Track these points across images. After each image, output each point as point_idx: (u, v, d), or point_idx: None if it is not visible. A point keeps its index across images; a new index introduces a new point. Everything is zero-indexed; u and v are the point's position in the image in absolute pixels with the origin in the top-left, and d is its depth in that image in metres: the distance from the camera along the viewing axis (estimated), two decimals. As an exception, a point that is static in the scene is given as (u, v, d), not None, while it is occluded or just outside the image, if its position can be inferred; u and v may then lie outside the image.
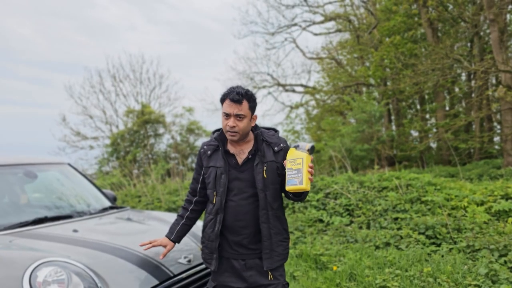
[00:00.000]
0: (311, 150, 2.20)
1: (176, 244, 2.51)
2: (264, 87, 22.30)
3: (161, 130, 19.68)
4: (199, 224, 3.39)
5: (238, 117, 2.24)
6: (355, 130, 13.44)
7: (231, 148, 2.37)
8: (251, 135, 2.40)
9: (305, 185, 2.13)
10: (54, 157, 14.39)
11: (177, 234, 2.48)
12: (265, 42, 24.50)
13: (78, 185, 3.83)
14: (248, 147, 2.37)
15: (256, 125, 2.44)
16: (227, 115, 2.26)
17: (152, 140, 19.46)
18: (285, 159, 2.28)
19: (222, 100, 2.30)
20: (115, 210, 3.51)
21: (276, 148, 2.34)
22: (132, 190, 10.60)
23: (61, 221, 2.91)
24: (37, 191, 3.78)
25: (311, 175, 2.16)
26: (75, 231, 2.69)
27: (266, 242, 2.28)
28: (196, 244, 2.88)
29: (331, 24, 20.71)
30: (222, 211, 2.29)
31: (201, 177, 2.44)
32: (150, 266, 2.38)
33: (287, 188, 2.17)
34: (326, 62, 21.09)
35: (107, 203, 3.74)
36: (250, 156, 2.33)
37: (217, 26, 39.41)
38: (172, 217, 3.56)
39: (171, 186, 9.78)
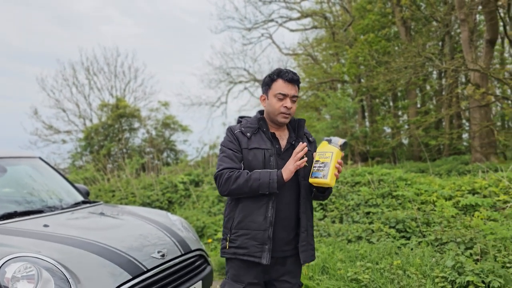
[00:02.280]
0: (343, 146, 2.11)
1: (149, 237, 2.50)
2: (240, 82, 22.32)
3: (136, 125, 19.40)
4: (173, 218, 3.39)
5: (293, 98, 2.17)
6: (329, 126, 13.63)
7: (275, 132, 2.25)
8: None
9: (329, 180, 2.04)
10: (25, 151, 13.99)
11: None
12: (242, 38, 24.49)
13: (49, 180, 3.75)
14: (285, 133, 2.28)
15: None
16: (283, 96, 2.14)
17: (127, 135, 19.17)
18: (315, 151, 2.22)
19: (273, 80, 2.18)
20: (87, 205, 3.46)
21: (311, 139, 2.33)
22: (106, 185, 10.44)
23: (31, 216, 2.85)
24: (7, 185, 3.68)
25: (339, 171, 2.07)
26: (46, 226, 2.64)
27: (303, 234, 2.17)
28: (170, 239, 2.87)
29: (307, 21, 20.88)
30: (274, 195, 2.10)
31: (243, 159, 2.18)
32: (123, 261, 2.37)
33: (310, 180, 2.10)
34: (302, 58, 21.24)
35: (80, 198, 3.68)
36: (293, 142, 2.23)
37: (193, 20, 39.06)
38: (146, 211, 3.54)
39: (146, 180, 9.69)
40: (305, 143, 2.10)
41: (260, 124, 2.22)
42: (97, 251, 2.36)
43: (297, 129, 2.29)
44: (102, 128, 18.70)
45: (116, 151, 18.56)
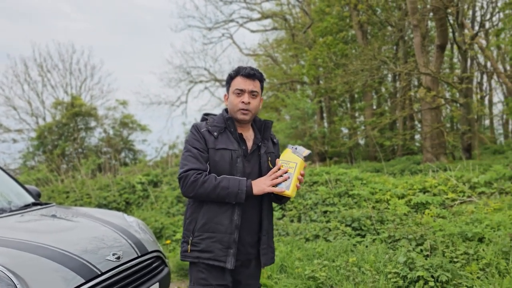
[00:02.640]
0: (307, 157, 2.08)
1: (104, 240, 2.45)
2: (201, 81, 22.17)
3: (92, 123, 18.81)
4: (130, 220, 3.32)
5: (252, 94, 2.11)
6: (289, 127, 13.81)
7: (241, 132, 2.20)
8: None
9: (291, 192, 2.01)
10: (-31, 151, 13.24)
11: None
12: (203, 37, 24.39)
13: (-4, 181, 3.57)
14: (251, 134, 2.23)
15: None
16: (240, 91, 2.10)
17: (82, 134, 18.55)
18: (278, 154, 2.20)
19: (232, 78, 2.15)
20: (39, 207, 3.32)
21: (275, 140, 2.30)
22: (59, 186, 10.06)
23: (-24, 220, 2.71)
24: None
25: (300, 182, 2.05)
26: (-8, 229, 2.52)
27: (264, 237, 2.15)
28: (126, 241, 2.81)
29: (267, 22, 21.10)
30: None
31: (208, 159, 2.11)
32: (76, 265, 2.29)
33: (272, 189, 2.04)
34: (263, 59, 21.40)
35: (30, 200, 3.53)
36: (260, 144, 2.18)
37: (153, 18, 38.36)
38: (102, 213, 3.45)
39: (102, 181, 9.42)
40: (280, 164, 2.06)
41: (227, 124, 2.15)
42: (48, 255, 2.28)
43: (263, 130, 2.23)
44: (56, 127, 18.00)
45: (71, 151, 17.93)
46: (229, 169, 2.07)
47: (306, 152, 2.06)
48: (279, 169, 2.05)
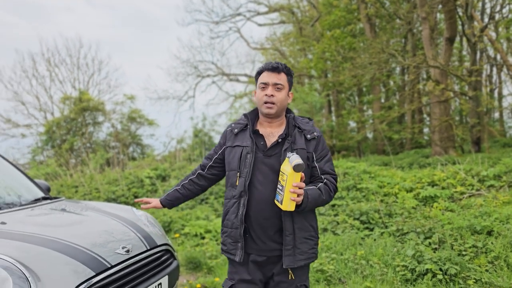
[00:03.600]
0: (297, 168, 1.85)
1: (113, 233, 2.48)
2: (208, 76, 22.15)
3: (100, 118, 18.92)
4: (138, 213, 3.35)
5: (276, 86, 2.11)
6: (296, 121, 13.77)
7: (261, 129, 2.19)
8: (284, 118, 2.22)
9: (284, 206, 1.92)
10: (-20, 146, 13.41)
11: (167, 197, 2.43)
12: (210, 31, 24.28)
13: (6, 175, 3.61)
14: (279, 131, 2.18)
15: (290, 110, 2.27)
16: (264, 85, 2.12)
17: (90, 129, 18.67)
18: (317, 150, 2.14)
19: (259, 74, 2.18)
20: (48, 201, 3.35)
21: (308, 136, 2.14)
22: (68, 180, 10.15)
23: (-13, 213, 2.74)
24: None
25: (299, 195, 1.92)
26: (3, 223, 2.55)
27: (288, 237, 2.05)
28: (135, 234, 2.83)
29: (275, 15, 20.98)
30: (246, 194, 2.08)
31: (216, 156, 2.31)
32: (86, 258, 2.31)
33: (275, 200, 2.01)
34: (270, 53, 21.32)
35: (40, 194, 3.56)
36: (280, 140, 2.11)
37: (160, 12, 38.37)
38: (111, 207, 3.47)
39: (111, 176, 9.49)
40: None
41: (248, 119, 2.19)
42: (59, 248, 2.30)
43: (288, 126, 2.16)
44: (64, 122, 18.13)
45: (79, 146, 18.06)
46: (238, 165, 2.12)
47: (295, 162, 1.84)
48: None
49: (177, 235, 5.83)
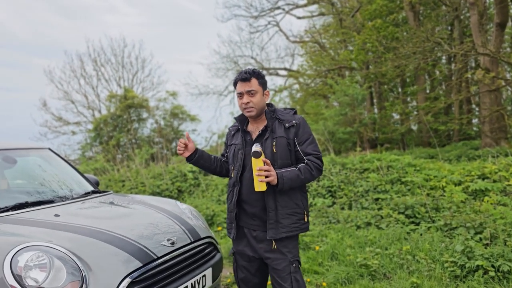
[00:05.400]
0: (253, 155, 2.25)
1: (159, 226, 2.58)
2: (247, 70, 22.14)
3: (144, 115, 19.46)
4: (182, 207, 3.42)
5: (250, 93, 2.44)
6: (337, 113, 13.55)
7: (250, 127, 2.59)
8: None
9: (255, 187, 2.29)
10: (35, 142, 14.15)
11: (203, 154, 2.70)
12: (249, 26, 24.30)
13: (59, 170, 3.79)
14: (263, 125, 2.52)
15: (272, 105, 2.58)
16: (240, 94, 2.47)
17: (135, 125, 19.26)
18: (297, 135, 2.44)
19: (235, 84, 2.51)
20: (97, 195, 3.49)
21: (287, 125, 2.45)
22: (115, 175, 10.53)
23: (42, 206, 2.88)
24: (17, 176, 3.73)
25: (266, 177, 2.24)
26: (56, 215, 2.67)
27: (271, 213, 2.40)
28: (179, 227, 2.90)
29: (314, 7, 20.64)
30: (238, 184, 2.51)
31: (226, 153, 2.77)
32: (133, 249, 2.39)
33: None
34: (310, 46, 21.05)
35: (90, 188, 3.72)
36: (260, 132, 2.48)
37: (199, 9, 38.86)
38: (156, 200, 3.57)
39: (155, 170, 9.75)
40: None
41: (238, 122, 2.60)
42: (108, 240, 2.39)
43: (266, 118, 2.49)
44: (111, 119, 18.80)
45: (125, 142, 18.68)
46: (233, 159, 2.58)
47: (253, 149, 2.27)
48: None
49: (219, 228, 5.91)
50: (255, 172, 2.26)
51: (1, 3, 32.34)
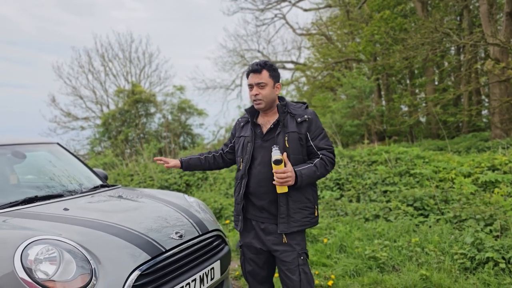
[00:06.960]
0: (276, 163, 2.26)
1: (167, 219, 2.58)
2: (254, 64, 22.08)
3: (152, 109, 19.53)
4: (190, 200, 3.43)
5: (260, 85, 2.44)
6: (345, 106, 13.47)
7: (260, 119, 2.58)
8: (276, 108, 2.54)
9: (278, 190, 2.32)
10: (44, 137, 14.28)
11: (189, 160, 2.79)
12: (255, 19, 24.21)
13: (68, 165, 3.81)
14: (274, 118, 2.52)
15: (284, 99, 2.56)
16: (250, 86, 2.47)
17: (143, 120, 19.34)
18: (310, 130, 2.44)
19: (247, 76, 2.50)
20: (106, 189, 3.51)
21: (299, 119, 2.44)
22: (124, 169, 10.60)
23: (52, 200, 2.91)
24: (26, 171, 3.76)
25: (281, 179, 2.25)
26: (66, 209, 2.70)
27: (282, 207, 2.40)
28: (187, 220, 2.91)
29: (320, -1, 20.46)
30: (246, 176, 2.51)
31: (230, 144, 2.80)
32: (142, 242, 2.40)
33: None
34: (316, 38, 20.92)
35: (98, 182, 3.74)
36: (273, 126, 2.47)
37: (205, 2, 38.74)
38: (164, 194, 3.59)
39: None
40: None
41: (248, 114, 2.58)
42: (117, 233, 2.40)
43: (279, 112, 2.49)
44: (119, 114, 18.89)
45: (133, 136, 18.77)
46: (241, 151, 2.58)
47: (273, 158, 2.26)
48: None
49: (227, 221, 5.93)
50: (276, 178, 2.27)
51: (9, 0, 32.53)
